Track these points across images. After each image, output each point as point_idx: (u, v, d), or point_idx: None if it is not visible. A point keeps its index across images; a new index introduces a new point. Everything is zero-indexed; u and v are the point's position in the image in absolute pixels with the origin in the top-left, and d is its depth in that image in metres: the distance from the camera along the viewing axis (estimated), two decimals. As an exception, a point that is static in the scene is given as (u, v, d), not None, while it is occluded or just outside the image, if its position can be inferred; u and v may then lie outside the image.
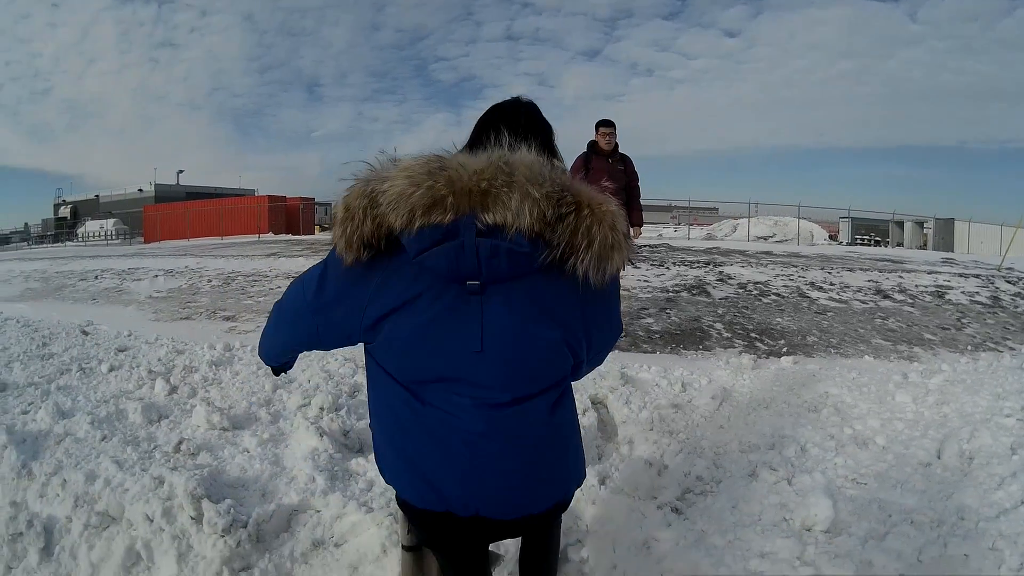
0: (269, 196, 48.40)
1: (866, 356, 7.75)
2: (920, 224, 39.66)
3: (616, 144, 8.60)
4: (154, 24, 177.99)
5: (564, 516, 2.56)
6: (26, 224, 78.22)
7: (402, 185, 1.74)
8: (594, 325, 1.98)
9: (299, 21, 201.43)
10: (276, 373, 2.58)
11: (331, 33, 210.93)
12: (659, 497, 4.04)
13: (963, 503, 3.74)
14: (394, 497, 2.50)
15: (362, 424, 5.34)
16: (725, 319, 10.01)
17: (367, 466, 4.59)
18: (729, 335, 9.07)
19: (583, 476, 2.21)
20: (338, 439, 4.97)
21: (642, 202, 9.03)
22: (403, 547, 3.15)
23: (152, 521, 4.17)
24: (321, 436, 4.90)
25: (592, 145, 8.59)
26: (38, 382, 7.16)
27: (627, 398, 5.53)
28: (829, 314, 10.52)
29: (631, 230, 2.75)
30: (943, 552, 3.29)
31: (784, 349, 8.27)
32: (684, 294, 12.00)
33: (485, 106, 2.18)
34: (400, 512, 2.76)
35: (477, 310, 1.82)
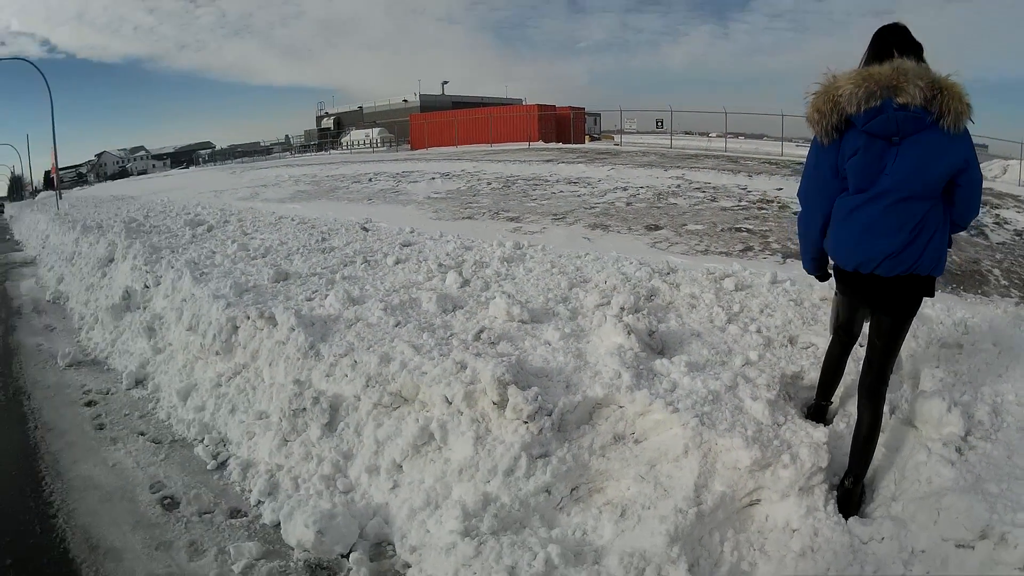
0: (539, 105, 49.64)
1: None
2: None
3: None
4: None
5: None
6: (287, 136, 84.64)
7: (851, 88, 3.38)
8: (965, 167, 3.47)
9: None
10: (821, 278, 4.28)
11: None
12: (944, 435, 4.13)
13: None
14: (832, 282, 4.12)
15: (663, 327, 5.49)
16: (1003, 265, 9.67)
17: (671, 368, 4.68)
18: (1007, 283, 8.75)
19: (939, 271, 3.67)
20: (644, 339, 5.11)
21: None
22: (835, 292, 4.32)
23: (451, 403, 4.53)
24: (628, 334, 5.05)
25: None
26: (321, 272, 8.00)
27: (914, 331, 5.43)
28: (1119, 282, 9.66)
29: None
30: None
31: (1065, 308, 7.66)
32: (962, 233, 11.36)
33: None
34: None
35: (894, 152, 3.42)
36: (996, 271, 9.33)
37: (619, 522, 3.85)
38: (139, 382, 6.79)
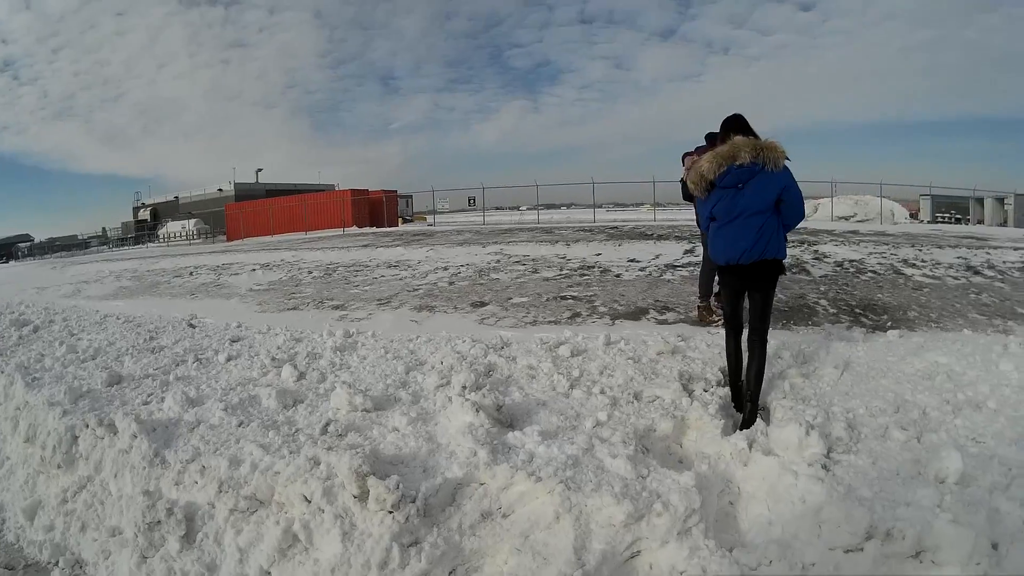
0: (352, 190, 49.49)
1: (965, 330, 7.96)
2: (1001, 200, 39.78)
3: None
4: (223, 25, 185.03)
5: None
6: (104, 229, 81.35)
7: (707, 164, 5.40)
8: (784, 190, 5.29)
9: (370, 13, 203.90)
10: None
11: (403, 24, 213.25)
12: (807, 456, 4.45)
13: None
14: None
15: (508, 400, 5.52)
16: (828, 296, 10.44)
17: (524, 439, 4.71)
18: (835, 311, 9.41)
19: (781, 254, 5.46)
20: (492, 414, 5.11)
21: None
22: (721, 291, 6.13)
23: (310, 502, 4.32)
24: (477, 411, 5.05)
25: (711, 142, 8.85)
26: (154, 374, 7.59)
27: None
28: (925, 290, 10.82)
29: None
30: (1060, 501, 3.75)
31: (888, 323, 8.58)
32: (784, 275, 12.22)
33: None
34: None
35: (741, 194, 5.32)
36: (823, 301, 9.94)
37: (505, 597, 3.75)
38: (-20, 499, 6.10)
